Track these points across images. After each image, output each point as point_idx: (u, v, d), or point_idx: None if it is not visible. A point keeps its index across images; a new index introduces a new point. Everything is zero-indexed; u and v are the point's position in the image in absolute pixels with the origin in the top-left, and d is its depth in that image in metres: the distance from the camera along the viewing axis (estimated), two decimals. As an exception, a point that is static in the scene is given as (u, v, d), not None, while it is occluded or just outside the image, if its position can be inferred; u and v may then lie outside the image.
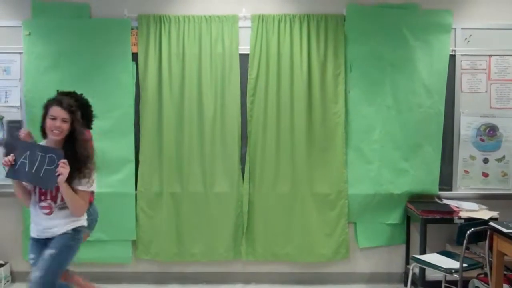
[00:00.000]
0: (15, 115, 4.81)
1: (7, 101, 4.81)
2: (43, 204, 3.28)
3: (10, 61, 4.81)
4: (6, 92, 4.81)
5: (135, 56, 4.75)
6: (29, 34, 4.71)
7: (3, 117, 4.82)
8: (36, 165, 3.17)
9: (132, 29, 4.74)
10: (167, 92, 4.73)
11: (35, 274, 3.17)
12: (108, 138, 4.73)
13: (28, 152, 3.19)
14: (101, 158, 4.68)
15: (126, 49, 4.74)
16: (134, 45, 4.75)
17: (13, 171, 3.22)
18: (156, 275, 4.90)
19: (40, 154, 3.16)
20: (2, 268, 4.72)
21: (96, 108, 4.64)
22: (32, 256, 3.35)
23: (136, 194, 4.77)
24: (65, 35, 4.71)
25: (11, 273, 4.89)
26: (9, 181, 4.72)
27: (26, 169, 3.18)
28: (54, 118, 3.17)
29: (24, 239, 4.81)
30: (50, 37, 4.71)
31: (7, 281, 4.80)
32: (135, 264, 4.86)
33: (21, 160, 3.20)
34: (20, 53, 4.78)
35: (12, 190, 4.72)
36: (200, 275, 4.90)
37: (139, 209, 4.78)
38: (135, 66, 4.76)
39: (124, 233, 4.78)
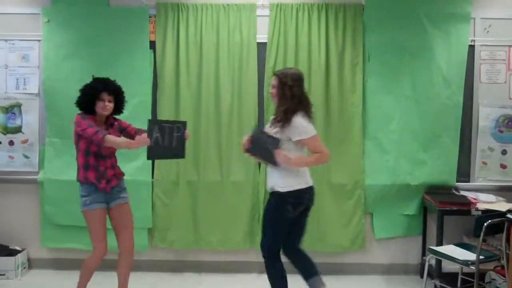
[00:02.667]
0: (33, 103, 4.85)
1: (26, 89, 4.84)
2: None
3: (29, 49, 4.82)
4: (24, 80, 4.84)
5: (152, 44, 4.76)
6: (48, 21, 4.73)
7: (21, 104, 4.85)
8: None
9: (150, 17, 4.75)
10: (185, 80, 4.73)
11: None
12: (125, 126, 4.75)
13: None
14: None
15: (144, 37, 4.75)
16: (152, 33, 4.75)
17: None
18: (172, 263, 4.92)
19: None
20: (19, 254, 4.75)
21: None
22: None
23: (152, 182, 4.79)
24: (84, 22, 4.72)
25: (28, 260, 4.93)
26: (27, 168, 4.86)
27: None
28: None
29: (41, 226, 4.86)
30: (68, 24, 4.73)
31: (24, 268, 4.84)
32: (151, 252, 4.87)
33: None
34: (39, 41, 4.79)
35: (29, 176, 4.83)
36: (216, 263, 4.90)
37: (155, 197, 4.80)
38: (152, 54, 4.76)
39: (141, 221, 4.75)
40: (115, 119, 3.87)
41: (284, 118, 3.50)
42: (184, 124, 3.61)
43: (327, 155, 3.61)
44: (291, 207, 3.56)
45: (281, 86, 3.53)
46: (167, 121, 3.64)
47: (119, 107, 3.82)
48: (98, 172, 3.68)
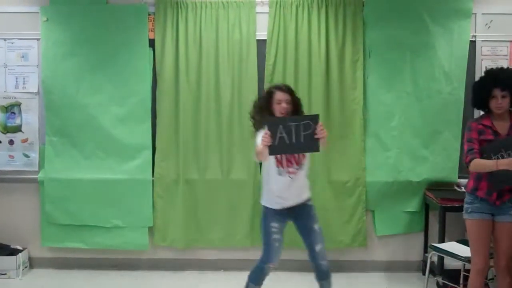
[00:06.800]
0: (33, 101, 4.83)
1: (25, 88, 4.83)
2: (291, 169, 3.52)
3: (28, 47, 4.81)
4: (24, 79, 4.82)
5: (152, 42, 4.73)
6: (47, 20, 4.70)
7: (20, 103, 4.84)
8: (294, 135, 3.33)
9: (149, 14, 4.72)
10: (184, 78, 4.71)
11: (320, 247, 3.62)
12: (125, 125, 4.74)
13: (281, 126, 3.31)
14: (118, 145, 4.75)
15: (143, 35, 4.72)
16: (151, 30, 4.73)
17: (274, 148, 3.33)
18: (174, 261, 4.90)
19: (293, 124, 3.31)
20: (20, 254, 4.75)
21: (113, 95, 4.74)
22: (276, 225, 3.67)
23: (153, 181, 4.77)
24: (82, 21, 4.70)
25: (29, 259, 4.93)
26: (27, 167, 4.85)
27: (287, 142, 3.31)
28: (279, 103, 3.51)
29: (42, 225, 4.85)
30: (67, 23, 4.70)
31: (25, 267, 4.83)
32: (152, 251, 4.86)
33: (278, 135, 3.32)
34: (37, 39, 4.78)
35: (29, 176, 4.82)
36: (217, 262, 4.89)
37: (156, 196, 4.78)
38: (152, 52, 4.74)
39: (141, 220, 4.79)
40: None
41: None
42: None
43: None
44: None
45: None
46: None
47: None
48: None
